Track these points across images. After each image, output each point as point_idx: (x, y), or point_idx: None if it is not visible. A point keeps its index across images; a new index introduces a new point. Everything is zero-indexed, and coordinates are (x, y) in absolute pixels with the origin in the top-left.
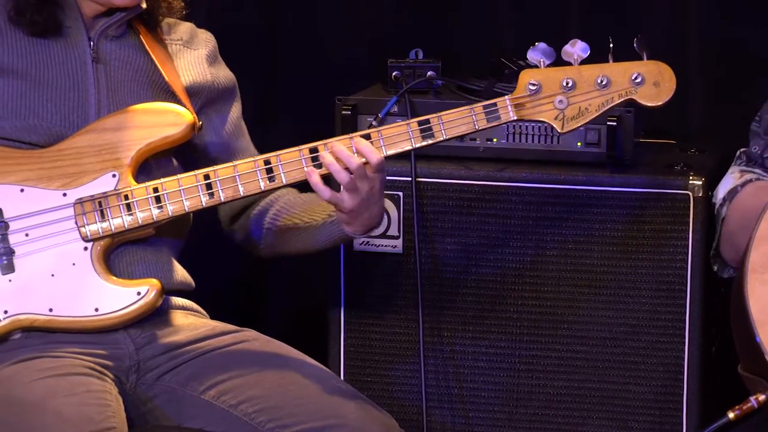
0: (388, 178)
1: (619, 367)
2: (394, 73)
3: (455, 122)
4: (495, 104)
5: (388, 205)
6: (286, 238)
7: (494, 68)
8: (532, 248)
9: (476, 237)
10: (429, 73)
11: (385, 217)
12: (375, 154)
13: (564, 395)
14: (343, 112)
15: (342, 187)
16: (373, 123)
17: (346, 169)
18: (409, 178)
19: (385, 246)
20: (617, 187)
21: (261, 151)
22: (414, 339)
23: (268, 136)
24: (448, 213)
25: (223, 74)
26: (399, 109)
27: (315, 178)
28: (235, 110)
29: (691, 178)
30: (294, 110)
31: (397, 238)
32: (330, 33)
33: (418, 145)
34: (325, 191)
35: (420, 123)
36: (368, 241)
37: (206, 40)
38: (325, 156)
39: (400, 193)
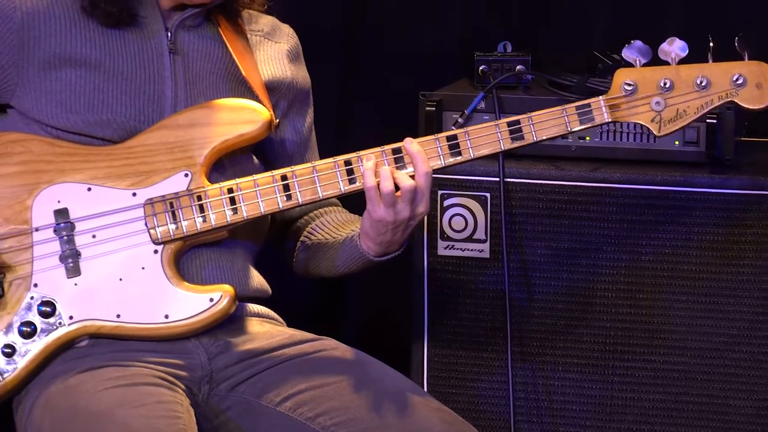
0: (475, 177)
1: (718, 379)
2: (481, 67)
3: (546, 123)
4: (588, 105)
5: (475, 207)
6: (315, 255)
7: (587, 62)
8: (626, 253)
9: (567, 241)
10: (518, 67)
11: (471, 220)
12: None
13: (660, 409)
14: (427, 108)
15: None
16: (459, 120)
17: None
18: (497, 179)
19: (471, 250)
20: (717, 188)
21: (343, 149)
22: (501, 349)
23: (351, 134)
24: (537, 215)
25: (302, 75)
26: (486, 106)
27: (370, 164)
28: (309, 118)
29: None
30: (378, 105)
31: (484, 242)
32: (415, 24)
33: (506, 148)
34: (371, 177)
35: (509, 124)
36: (453, 245)
37: (289, 35)
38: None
39: (488, 195)
